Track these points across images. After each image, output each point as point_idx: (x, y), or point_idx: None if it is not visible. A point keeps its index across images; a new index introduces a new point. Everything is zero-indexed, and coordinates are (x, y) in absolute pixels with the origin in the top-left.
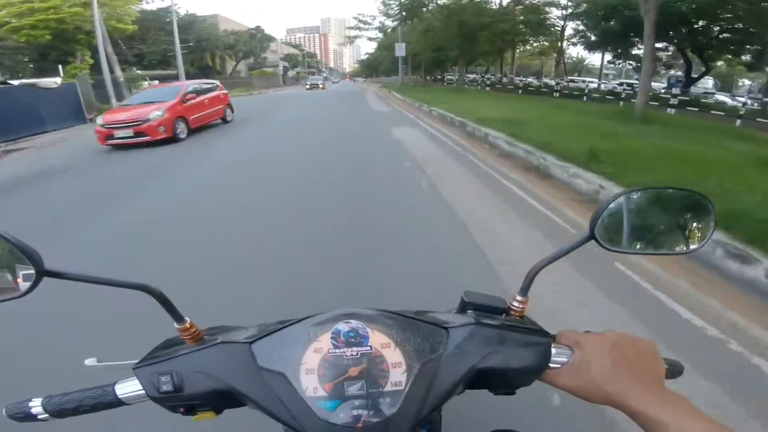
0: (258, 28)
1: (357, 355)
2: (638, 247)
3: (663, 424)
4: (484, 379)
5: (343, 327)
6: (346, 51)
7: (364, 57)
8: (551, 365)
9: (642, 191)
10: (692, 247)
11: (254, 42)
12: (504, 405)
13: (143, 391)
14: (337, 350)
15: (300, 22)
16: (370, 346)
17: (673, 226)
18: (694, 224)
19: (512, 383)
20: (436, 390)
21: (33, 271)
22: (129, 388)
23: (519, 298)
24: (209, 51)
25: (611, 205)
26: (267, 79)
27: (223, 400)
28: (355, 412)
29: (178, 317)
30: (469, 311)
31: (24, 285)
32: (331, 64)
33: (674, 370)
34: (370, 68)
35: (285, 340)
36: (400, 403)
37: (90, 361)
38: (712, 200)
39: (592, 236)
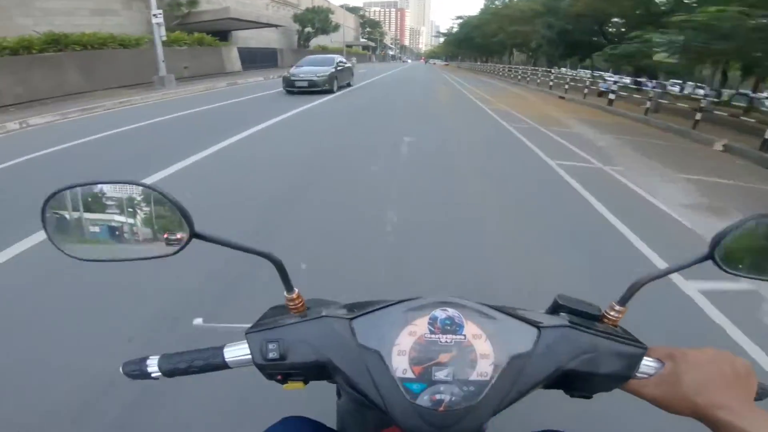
0: None
1: (451, 342)
2: (762, 273)
3: None
4: (565, 380)
5: (440, 314)
6: (423, 30)
7: (454, 25)
8: (638, 375)
9: None
10: None
11: None
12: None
13: (248, 357)
14: (433, 335)
15: None
16: (464, 335)
17: None
18: None
19: (593, 387)
20: (520, 385)
21: (186, 233)
22: (236, 352)
23: (617, 307)
24: None
25: (738, 229)
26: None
27: (316, 371)
28: (438, 397)
29: (290, 287)
30: (561, 314)
31: (176, 245)
32: (406, 42)
33: (762, 393)
34: (458, 46)
35: (382, 320)
36: (484, 394)
37: (197, 322)
38: None
39: (710, 256)
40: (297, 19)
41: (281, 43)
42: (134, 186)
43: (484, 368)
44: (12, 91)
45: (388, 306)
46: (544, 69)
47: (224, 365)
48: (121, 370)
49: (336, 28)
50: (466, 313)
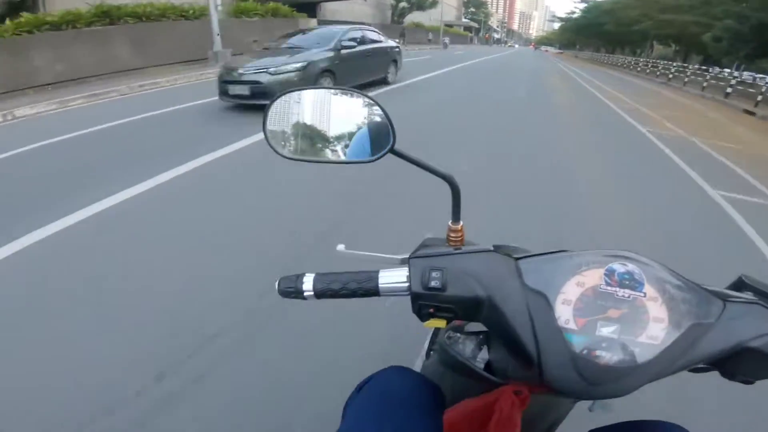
0: None
1: (628, 297)
2: None
3: None
4: (734, 360)
5: (619, 267)
6: (535, 14)
7: (576, 9)
8: None
9: None
10: None
11: None
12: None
13: (404, 284)
14: (609, 287)
15: None
16: (644, 293)
17: None
18: None
19: (765, 372)
20: (692, 355)
21: (387, 145)
22: (391, 278)
23: None
24: None
25: None
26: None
27: (468, 308)
28: (598, 352)
29: (457, 217)
30: (746, 293)
31: (374, 155)
32: (515, 26)
33: None
34: (577, 33)
35: (550, 265)
36: (654, 356)
37: (340, 247)
38: None
39: None
40: None
41: (374, 18)
42: (350, 93)
43: (656, 332)
44: (52, 69)
45: (554, 252)
46: (713, 70)
47: (375, 291)
48: (276, 286)
49: (433, 4)
50: (646, 271)
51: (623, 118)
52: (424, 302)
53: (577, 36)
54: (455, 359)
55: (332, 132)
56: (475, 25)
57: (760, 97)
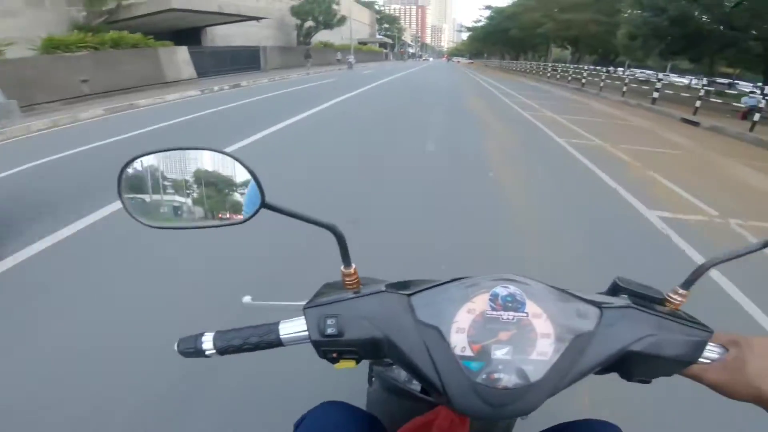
0: None
1: (513, 319)
2: None
3: None
4: (624, 363)
5: (501, 291)
6: (445, 27)
7: (481, 17)
8: (701, 360)
9: None
10: None
11: None
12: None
13: (304, 333)
14: (494, 312)
15: None
16: (527, 313)
17: None
18: None
19: (654, 371)
20: (581, 365)
21: (258, 203)
22: (292, 328)
23: (680, 291)
24: None
25: None
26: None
27: (371, 349)
28: (496, 375)
29: (348, 262)
30: (621, 296)
31: (246, 214)
32: (428, 40)
33: None
34: (484, 41)
35: (441, 297)
36: (544, 373)
37: (246, 299)
38: None
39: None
40: (294, 11)
41: (277, 40)
42: (210, 152)
43: (545, 347)
44: None
45: (446, 283)
46: (630, 72)
47: (278, 342)
48: (176, 347)
49: (341, 21)
50: (527, 291)
51: (598, 179)
52: (326, 348)
53: (485, 44)
54: (393, 384)
55: (196, 194)
56: (390, 41)
57: (698, 103)
